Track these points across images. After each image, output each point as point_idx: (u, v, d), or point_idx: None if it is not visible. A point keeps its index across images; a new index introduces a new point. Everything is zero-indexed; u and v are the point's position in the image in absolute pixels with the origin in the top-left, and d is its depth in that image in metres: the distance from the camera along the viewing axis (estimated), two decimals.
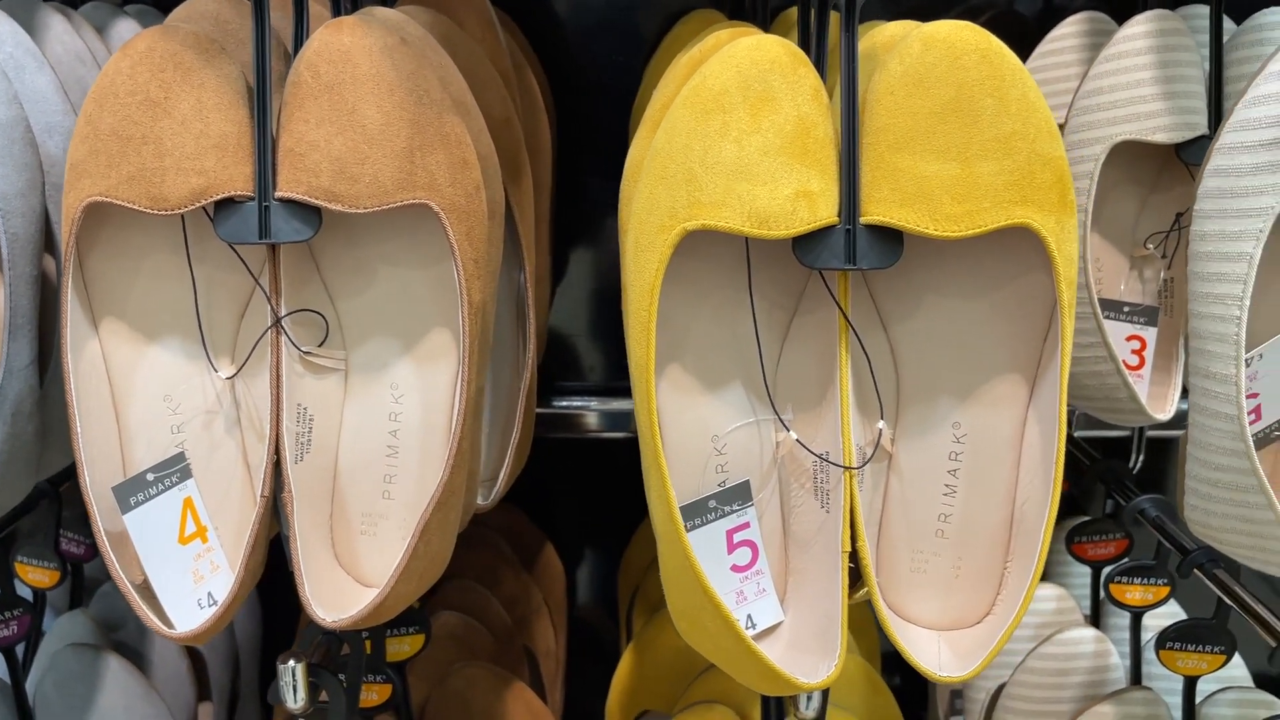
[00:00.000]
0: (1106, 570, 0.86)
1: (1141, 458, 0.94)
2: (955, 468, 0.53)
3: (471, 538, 1.03)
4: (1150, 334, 0.79)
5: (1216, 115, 0.74)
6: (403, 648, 0.76)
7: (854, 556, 0.51)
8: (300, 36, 0.54)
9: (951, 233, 0.47)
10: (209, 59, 0.50)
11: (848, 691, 0.82)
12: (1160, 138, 0.73)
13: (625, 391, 1.06)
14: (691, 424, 0.53)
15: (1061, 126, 0.79)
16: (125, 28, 0.82)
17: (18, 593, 0.77)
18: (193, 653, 0.93)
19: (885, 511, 0.55)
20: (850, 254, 0.48)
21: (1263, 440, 0.62)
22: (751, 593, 0.54)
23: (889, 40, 0.52)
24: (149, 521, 0.53)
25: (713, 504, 0.53)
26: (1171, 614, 0.92)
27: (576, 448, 1.06)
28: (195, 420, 0.55)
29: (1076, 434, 0.98)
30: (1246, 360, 0.59)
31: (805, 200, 0.47)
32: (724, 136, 0.47)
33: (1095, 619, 0.93)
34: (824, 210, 0.47)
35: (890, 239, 0.48)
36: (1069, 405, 0.86)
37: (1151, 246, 0.79)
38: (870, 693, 0.84)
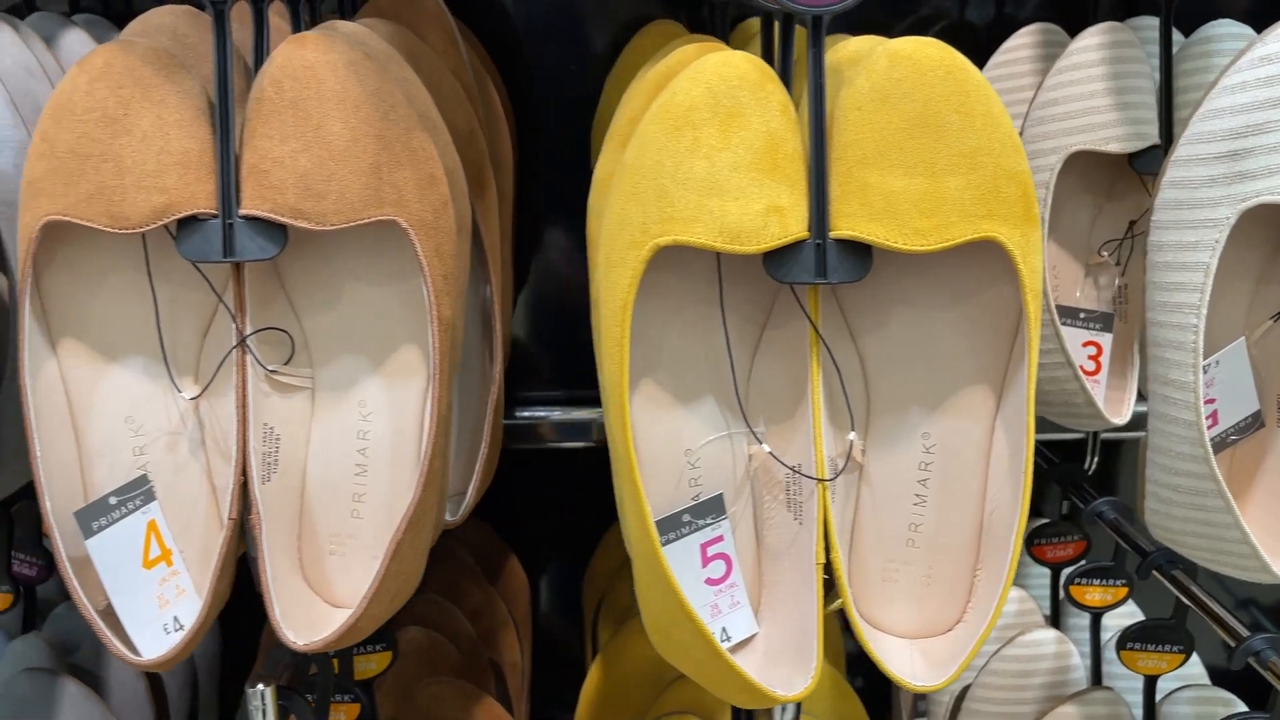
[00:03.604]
0: (1066, 572, 0.87)
1: (1096, 460, 0.95)
2: (925, 477, 0.54)
3: (435, 551, 1.02)
4: (1106, 340, 0.81)
5: (1167, 125, 0.76)
6: (369, 666, 0.75)
7: (828, 568, 0.51)
8: (260, 51, 0.54)
9: (920, 246, 0.47)
10: (169, 75, 0.49)
11: (814, 698, 0.82)
12: (1114, 148, 0.75)
13: (585, 401, 1.07)
14: (665, 438, 0.53)
15: None
16: (74, 39, 0.80)
17: None
18: (151, 675, 0.91)
19: (856, 522, 0.55)
20: (821, 268, 0.48)
21: (1219, 444, 0.63)
22: (726, 605, 0.54)
23: (854, 55, 0.53)
24: (112, 546, 0.51)
25: (687, 518, 0.53)
26: (1130, 614, 0.93)
27: (535, 458, 1.06)
28: (158, 442, 0.54)
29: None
30: (1204, 367, 0.61)
31: (776, 215, 0.47)
32: (694, 153, 0.47)
33: (1055, 620, 0.95)
34: (794, 225, 0.48)
35: (859, 253, 0.49)
36: None
37: (1106, 254, 0.81)
38: (837, 698, 0.84)
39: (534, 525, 1.13)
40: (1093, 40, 0.76)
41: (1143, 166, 0.76)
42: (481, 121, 0.70)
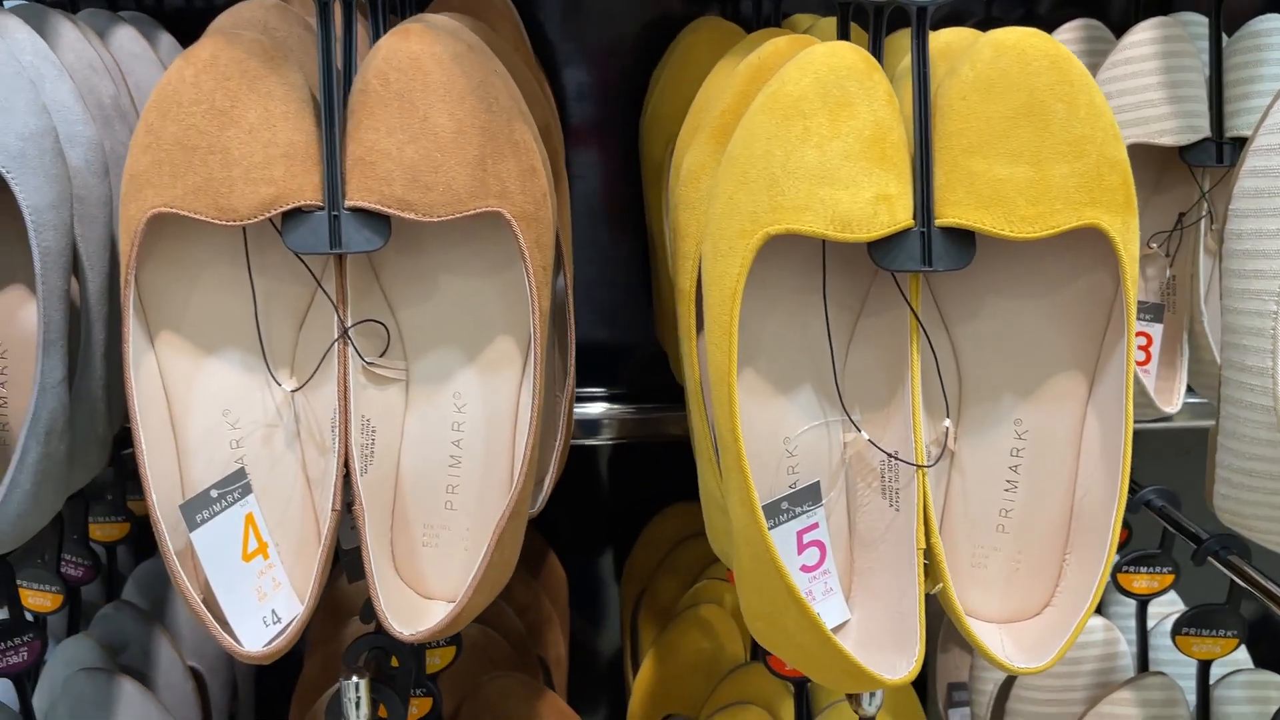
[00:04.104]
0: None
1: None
2: (1017, 464, 0.55)
3: None
4: (1156, 330, 0.82)
5: (1218, 118, 0.77)
6: (435, 660, 0.75)
7: (926, 553, 0.52)
8: (350, 45, 0.54)
9: (1026, 234, 0.48)
10: (274, 67, 0.49)
11: None
12: (1167, 140, 0.76)
13: (602, 398, 1.07)
14: (765, 427, 0.53)
15: None
16: (124, 35, 0.80)
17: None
18: (197, 675, 0.91)
19: (947, 507, 0.56)
20: (926, 256, 0.49)
21: None
22: (819, 592, 0.55)
23: (945, 47, 0.53)
24: (214, 539, 0.51)
25: (785, 505, 0.53)
26: (1170, 600, 0.95)
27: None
28: (255, 434, 0.54)
29: None
30: None
31: (885, 204, 0.48)
32: (805, 142, 0.47)
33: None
34: (902, 213, 0.48)
35: (963, 241, 0.49)
36: None
37: (1155, 246, 0.82)
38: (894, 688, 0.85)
39: (556, 521, 1.14)
40: (1145, 35, 0.77)
41: (1193, 159, 0.77)
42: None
